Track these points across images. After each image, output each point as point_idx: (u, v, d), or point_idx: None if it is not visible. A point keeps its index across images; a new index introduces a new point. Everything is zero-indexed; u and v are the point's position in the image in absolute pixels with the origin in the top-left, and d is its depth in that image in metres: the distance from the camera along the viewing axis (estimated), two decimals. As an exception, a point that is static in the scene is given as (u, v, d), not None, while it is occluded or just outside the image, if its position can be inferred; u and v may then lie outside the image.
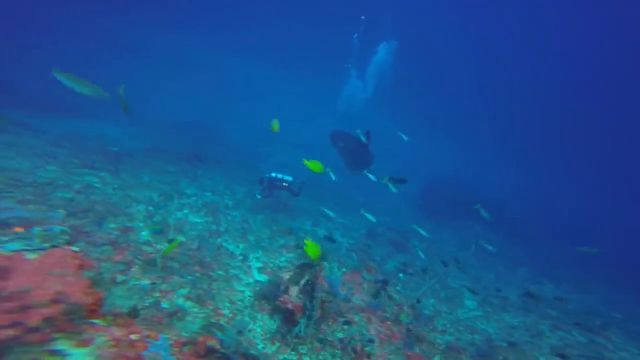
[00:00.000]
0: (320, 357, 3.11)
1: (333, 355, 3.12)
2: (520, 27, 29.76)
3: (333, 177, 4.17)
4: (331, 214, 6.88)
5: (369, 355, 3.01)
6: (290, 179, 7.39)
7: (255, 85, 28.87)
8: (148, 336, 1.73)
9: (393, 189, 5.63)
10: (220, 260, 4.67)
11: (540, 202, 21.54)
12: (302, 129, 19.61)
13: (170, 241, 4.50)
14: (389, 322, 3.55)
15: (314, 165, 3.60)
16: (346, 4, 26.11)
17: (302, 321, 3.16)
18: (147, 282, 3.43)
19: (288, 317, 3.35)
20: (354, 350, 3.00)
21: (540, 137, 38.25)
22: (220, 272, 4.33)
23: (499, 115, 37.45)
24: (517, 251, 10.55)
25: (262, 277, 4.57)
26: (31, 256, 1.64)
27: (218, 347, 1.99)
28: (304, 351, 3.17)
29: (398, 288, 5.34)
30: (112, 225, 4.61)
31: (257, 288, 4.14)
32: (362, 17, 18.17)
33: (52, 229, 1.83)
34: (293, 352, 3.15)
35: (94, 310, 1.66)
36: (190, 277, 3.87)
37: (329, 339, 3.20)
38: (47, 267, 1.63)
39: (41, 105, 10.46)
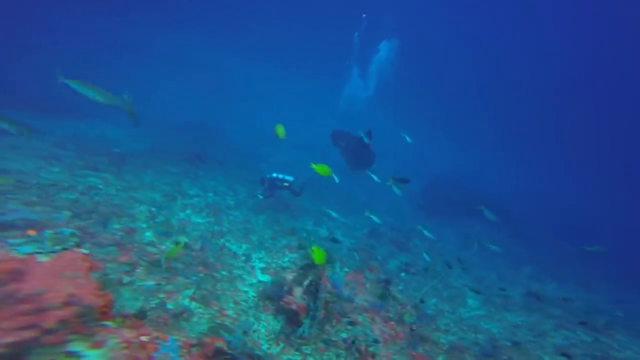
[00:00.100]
0: (324, 357, 3.13)
1: (337, 356, 3.15)
2: (521, 26, 29.74)
3: (336, 179, 4.18)
4: (334, 214, 6.90)
5: (373, 355, 3.03)
6: (291, 179, 7.41)
7: (256, 85, 28.87)
8: (157, 338, 1.75)
9: (397, 191, 5.64)
10: (223, 261, 4.70)
11: (541, 200, 21.54)
12: (302, 128, 19.63)
13: (175, 243, 4.52)
14: (392, 322, 3.57)
15: (321, 169, 3.60)
16: (347, 3, 26.11)
17: (306, 322, 3.18)
18: (152, 283, 3.46)
19: (292, 318, 3.38)
20: (358, 351, 3.03)
21: (541, 136, 38.25)
22: (224, 273, 4.35)
23: (500, 113, 37.45)
24: (520, 250, 10.57)
25: (266, 278, 4.59)
26: (43, 259, 1.66)
27: (225, 348, 2.01)
28: (308, 352, 3.20)
29: (400, 288, 5.37)
30: (116, 226, 4.64)
31: (261, 288, 4.17)
32: (363, 15, 18.14)
33: (62, 232, 1.86)
34: (297, 353, 3.17)
35: (105, 312, 1.68)
36: (194, 278, 3.89)
37: (333, 339, 3.22)
38: (59, 269, 1.66)
39: (41, 106, 10.48)
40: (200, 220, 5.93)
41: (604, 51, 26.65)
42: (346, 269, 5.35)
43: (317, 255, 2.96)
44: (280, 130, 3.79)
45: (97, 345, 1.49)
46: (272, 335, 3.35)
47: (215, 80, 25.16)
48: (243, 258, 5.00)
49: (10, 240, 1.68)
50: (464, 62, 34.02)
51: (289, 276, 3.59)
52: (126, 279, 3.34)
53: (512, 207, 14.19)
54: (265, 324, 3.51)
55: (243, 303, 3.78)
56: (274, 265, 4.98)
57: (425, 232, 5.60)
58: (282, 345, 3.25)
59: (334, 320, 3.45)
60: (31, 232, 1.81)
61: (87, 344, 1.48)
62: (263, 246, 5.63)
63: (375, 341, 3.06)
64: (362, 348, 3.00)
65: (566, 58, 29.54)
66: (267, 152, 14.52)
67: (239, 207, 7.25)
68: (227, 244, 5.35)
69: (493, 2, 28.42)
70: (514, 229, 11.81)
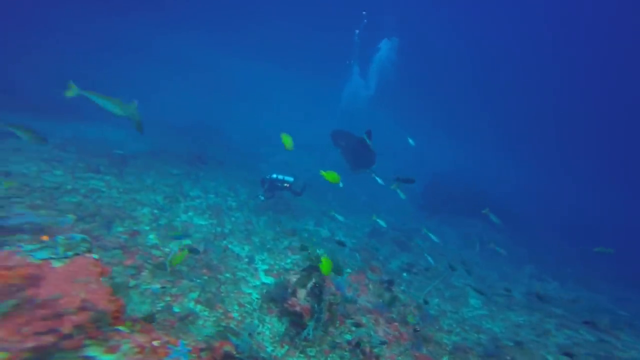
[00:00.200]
0: (328, 359, 3.17)
1: (342, 358, 3.17)
2: (521, 25, 29.72)
3: (341, 184, 4.20)
4: (340, 218, 6.95)
5: (377, 357, 3.06)
6: (291, 179, 7.43)
7: (256, 85, 28.88)
8: (168, 342, 1.78)
9: (402, 195, 5.67)
10: (227, 263, 4.72)
11: (542, 199, 21.59)
12: (303, 128, 19.65)
13: (180, 249, 4.54)
14: (396, 324, 3.60)
15: (331, 176, 3.63)
16: (347, 3, 26.06)
17: (311, 324, 3.21)
18: (157, 286, 3.48)
19: (296, 320, 3.41)
20: (363, 353, 3.06)
21: (541, 135, 38.25)
22: (227, 275, 4.38)
23: (500, 113, 37.43)
24: (521, 249, 10.62)
25: (269, 280, 4.62)
26: (57, 264, 1.68)
27: (234, 352, 2.04)
28: (312, 354, 3.23)
29: (402, 288, 5.40)
30: (120, 229, 4.66)
31: (265, 291, 4.19)
32: (364, 12, 18.09)
33: (74, 238, 1.88)
34: (302, 355, 3.20)
35: (117, 317, 1.71)
36: (199, 281, 3.92)
37: (337, 341, 3.25)
38: (72, 274, 1.68)
39: (42, 107, 10.47)
40: (202, 222, 5.96)
41: (606, 49, 26.63)
42: (348, 270, 5.38)
43: (324, 266, 3.00)
44: (287, 141, 3.75)
45: (112, 350, 1.52)
46: (277, 338, 3.38)
47: (215, 80, 25.16)
48: (246, 260, 5.03)
49: (25, 246, 1.70)
50: (464, 61, 34.03)
51: (293, 278, 3.61)
52: (132, 282, 3.37)
53: (513, 206, 14.23)
54: (269, 326, 3.54)
55: (247, 305, 3.80)
56: (276, 267, 5.00)
57: (431, 235, 5.64)
58: (286, 347, 3.27)
59: (338, 322, 3.48)
60: (44, 238, 1.83)
61: (102, 349, 1.50)
62: (265, 248, 5.66)
63: (382, 343, 3.09)
64: (367, 349, 3.03)
65: (566, 57, 29.57)
66: (267, 152, 14.54)
67: (240, 208, 7.27)
68: (230, 246, 5.38)
69: (493, 2, 28.44)
70: (515, 228, 11.84)
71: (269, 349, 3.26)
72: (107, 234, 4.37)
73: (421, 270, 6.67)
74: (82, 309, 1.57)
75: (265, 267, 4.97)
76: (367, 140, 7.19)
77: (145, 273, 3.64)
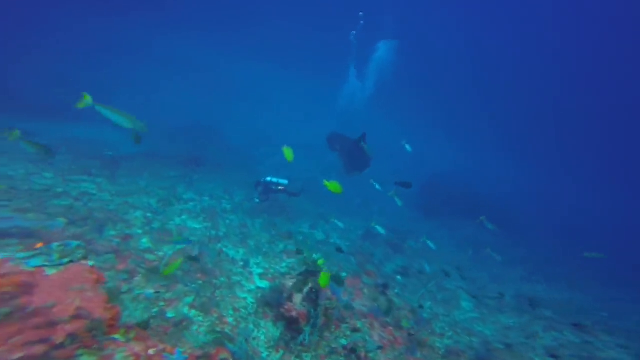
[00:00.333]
0: (324, 363, 3.18)
1: (337, 362, 3.19)
2: (519, 25, 30.11)
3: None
4: (340, 224, 7.01)
5: (372, 361, 3.09)
6: (286, 182, 7.43)
7: (254, 85, 28.77)
8: (164, 350, 1.77)
9: (399, 202, 5.74)
10: (222, 267, 4.69)
11: (537, 199, 21.92)
12: (302, 128, 19.67)
13: (175, 253, 4.50)
14: (391, 328, 3.64)
15: (333, 186, 3.71)
16: (346, 3, 26.20)
17: (307, 329, 3.22)
18: (151, 291, 3.44)
19: (291, 325, 3.41)
20: (358, 358, 3.08)
21: (539, 135, 38.81)
22: (222, 279, 4.35)
23: (500, 112, 37.88)
24: (515, 250, 10.83)
25: (264, 284, 4.61)
26: (51, 272, 1.66)
27: (230, 359, 2.04)
28: (308, 359, 3.24)
29: (397, 291, 5.45)
30: (113, 233, 4.59)
31: (260, 295, 4.18)
32: (360, 13, 18.22)
33: (69, 244, 1.85)
34: None
35: (113, 325, 1.69)
36: (193, 285, 3.89)
37: (333, 345, 3.27)
38: (67, 282, 1.66)
39: (35, 108, 10.26)
40: (197, 226, 5.90)
41: (604, 49, 27.03)
42: (344, 274, 5.41)
43: (323, 279, 3.04)
44: (288, 154, 3.91)
45: (107, 360, 1.51)
46: (272, 343, 3.38)
47: (214, 80, 24.98)
48: (241, 263, 5.01)
49: (19, 254, 1.67)
50: (462, 61, 34.48)
51: (289, 283, 3.62)
52: (125, 287, 3.32)
53: (509, 207, 14.49)
54: (264, 331, 3.53)
55: (242, 310, 3.79)
56: (272, 270, 4.99)
57: (429, 243, 5.74)
58: (281, 352, 3.28)
59: (334, 327, 3.50)
60: (38, 245, 1.80)
61: (95, 359, 1.48)
62: (261, 251, 5.64)
63: (380, 348, 3.12)
64: (362, 354, 3.06)
65: (565, 55, 29.99)
66: (266, 152, 14.46)
67: (235, 211, 7.24)
68: (224, 249, 5.35)
69: (491, 2, 28.82)
70: (511, 229, 12.03)
71: (264, 354, 3.25)
72: (99, 238, 4.30)
73: (415, 273, 6.74)
74: (76, 317, 1.55)
75: (261, 270, 4.95)
76: (363, 144, 7.27)
77: (138, 278, 3.59)
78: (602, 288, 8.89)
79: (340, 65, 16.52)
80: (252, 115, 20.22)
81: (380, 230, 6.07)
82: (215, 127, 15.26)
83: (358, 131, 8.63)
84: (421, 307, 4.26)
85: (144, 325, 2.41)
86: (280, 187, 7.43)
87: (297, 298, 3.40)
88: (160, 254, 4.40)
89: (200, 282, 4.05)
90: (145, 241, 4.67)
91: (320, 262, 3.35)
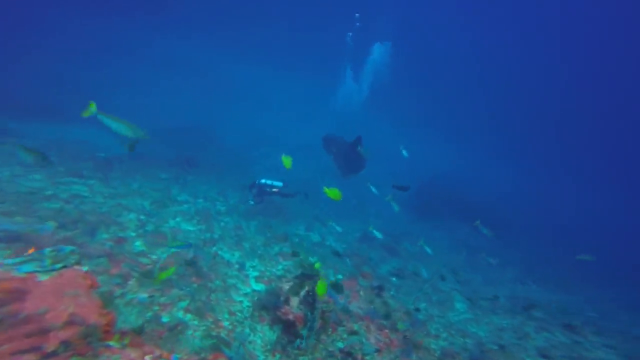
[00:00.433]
0: (321, 366, 3.17)
1: (334, 365, 3.19)
2: (517, 25, 30.38)
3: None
4: (338, 228, 7.03)
5: (369, 363, 3.09)
6: (280, 184, 7.42)
7: (251, 86, 28.67)
8: (160, 356, 1.74)
9: (396, 207, 5.78)
10: (217, 270, 4.65)
11: (534, 201, 22.23)
12: (299, 129, 19.66)
13: (169, 256, 4.45)
14: (387, 330, 3.65)
15: (333, 193, 3.77)
16: (342, 4, 26.30)
17: (304, 332, 3.21)
18: (145, 295, 3.39)
19: (288, 328, 3.40)
20: None
21: (536, 136, 39.25)
22: (217, 282, 4.31)
23: (496, 114, 38.25)
24: (508, 252, 11.00)
25: (260, 287, 4.58)
26: (44, 277, 1.62)
27: (227, 363, 2.02)
28: (305, 361, 3.22)
29: (392, 293, 5.48)
30: (105, 236, 4.51)
31: (255, 298, 4.16)
32: (357, 14, 18.29)
33: (62, 249, 1.82)
34: (294, 363, 3.19)
35: (108, 331, 1.66)
36: (188, 289, 3.84)
37: (330, 349, 3.27)
38: (60, 288, 1.62)
39: (24, 108, 10.03)
40: (191, 228, 5.84)
41: (600, 50, 27.23)
42: (340, 276, 5.42)
43: (320, 288, 3.05)
44: (287, 162, 4.13)
45: (103, 368, 1.47)
46: (269, 346, 3.36)
47: (210, 81, 24.84)
48: (237, 266, 4.97)
49: (9, 260, 1.62)
50: (458, 62, 34.81)
51: (285, 286, 3.61)
52: (118, 291, 3.27)
53: (504, 209, 14.69)
54: (261, 334, 3.51)
55: (238, 313, 3.76)
56: (267, 273, 4.97)
57: (427, 249, 5.81)
58: (278, 356, 3.26)
59: (330, 330, 3.50)
60: (30, 251, 1.76)
61: (90, 367, 1.45)
62: (256, 254, 5.61)
63: (377, 351, 3.12)
64: (359, 357, 3.06)
65: (561, 56, 30.30)
66: (262, 154, 14.39)
67: (229, 213, 7.19)
68: (219, 252, 5.30)
69: (487, 4, 29.12)
70: (504, 231, 12.18)
71: (261, 357, 3.23)
72: (91, 241, 4.22)
73: (410, 275, 6.78)
74: (70, 323, 1.52)
75: (256, 273, 4.93)
76: (358, 147, 7.31)
77: (132, 282, 3.54)
78: (594, 289, 9.09)
79: (336, 66, 16.59)
80: (249, 116, 20.15)
81: (378, 234, 6.12)
82: (212, 128, 15.15)
83: (354, 133, 8.68)
84: (417, 309, 4.29)
85: (138, 331, 2.37)
86: (274, 189, 7.41)
87: (294, 301, 3.39)
88: (154, 257, 4.34)
89: (195, 285, 4.01)
90: (138, 244, 4.60)
91: (317, 265, 3.35)
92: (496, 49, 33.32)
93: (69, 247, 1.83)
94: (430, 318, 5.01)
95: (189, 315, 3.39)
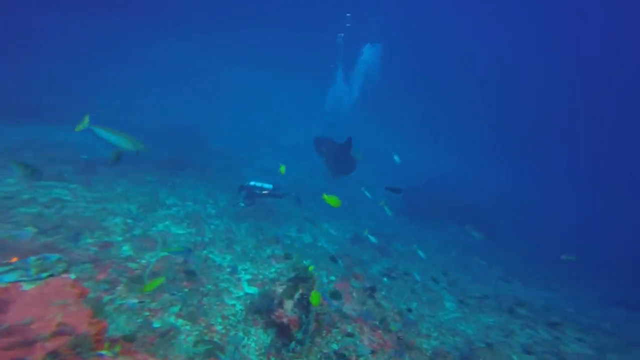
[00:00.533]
0: (315, 369, 3.16)
1: (328, 367, 3.19)
2: (515, 26, 30.79)
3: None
4: (333, 232, 7.04)
5: (363, 364, 3.11)
6: (270, 186, 7.39)
7: (242, 87, 28.33)
8: (154, 364, 1.69)
9: (389, 212, 5.86)
10: (208, 274, 4.56)
11: (524, 202, 22.81)
12: (293, 129, 19.59)
13: (159, 260, 4.33)
14: (380, 331, 3.69)
15: (332, 201, 3.82)
16: (333, 5, 26.31)
17: (299, 335, 3.20)
18: (134, 301, 3.29)
19: (282, 331, 3.37)
20: (350, 361, 3.10)
21: (528, 138, 40.01)
22: (209, 287, 4.23)
23: (491, 115, 38.78)
24: (497, 252, 11.34)
25: (252, 290, 4.53)
26: (29, 287, 1.54)
27: (223, 368, 1.98)
28: (299, 364, 3.21)
29: (384, 293, 5.54)
30: (89, 241, 4.34)
31: (248, 301, 4.10)
32: (348, 14, 18.31)
33: (48, 258, 1.73)
34: (289, 366, 3.17)
35: (99, 340, 1.60)
36: (179, 294, 3.75)
37: (325, 351, 3.27)
38: (47, 297, 1.55)
39: (18, 110, 9.52)
40: (180, 231, 5.71)
41: (596, 51, 27.63)
42: (332, 277, 5.43)
43: (314, 298, 3.06)
44: (282, 168, 4.56)
45: (96, 378, 1.41)
46: (263, 350, 3.32)
47: (201, 83, 24.41)
48: (228, 270, 4.89)
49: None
50: (448, 64, 35.31)
51: (279, 289, 3.58)
52: (106, 297, 3.15)
53: (493, 210, 15.11)
54: (255, 338, 3.47)
55: (231, 317, 3.70)
56: (260, 276, 4.92)
57: (420, 253, 5.92)
58: (273, 359, 3.23)
59: (324, 332, 3.50)
60: (13, 259, 1.67)
61: (82, 378, 1.39)
62: (248, 257, 5.54)
63: (372, 352, 3.15)
64: (353, 359, 3.08)
65: (558, 56, 30.84)
66: (254, 155, 14.22)
67: (220, 215, 7.07)
68: (210, 256, 5.20)
69: (480, 5, 29.50)
70: (492, 232, 12.51)
71: (255, 362, 3.19)
72: (75, 246, 4.05)
73: (400, 275, 6.88)
74: (58, 333, 1.45)
75: (249, 276, 4.86)
76: (349, 151, 7.38)
77: (120, 287, 3.42)
78: (574, 287, 9.51)
79: (329, 68, 16.62)
80: (238, 118, 19.92)
81: (373, 239, 6.19)
82: (199, 130, 14.86)
83: (344, 134, 8.74)
84: (409, 310, 4.35)
85: (129, 338, 2.29)
86: (264, 191, 7.36)
87: (288, 304, 3.37)
88: (143, 261, 4.21)
89: (187, 290, 3.92)
90: (126, 249, 4.46)
91: (311, 268, 3.35)
92: (490, 49, 33.92)
93: (56, 256, 1.75)
94: (421, 318, 5.09)
95: (180, 321, 3.31)
